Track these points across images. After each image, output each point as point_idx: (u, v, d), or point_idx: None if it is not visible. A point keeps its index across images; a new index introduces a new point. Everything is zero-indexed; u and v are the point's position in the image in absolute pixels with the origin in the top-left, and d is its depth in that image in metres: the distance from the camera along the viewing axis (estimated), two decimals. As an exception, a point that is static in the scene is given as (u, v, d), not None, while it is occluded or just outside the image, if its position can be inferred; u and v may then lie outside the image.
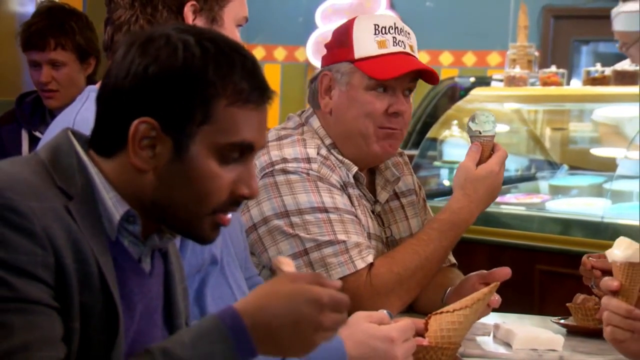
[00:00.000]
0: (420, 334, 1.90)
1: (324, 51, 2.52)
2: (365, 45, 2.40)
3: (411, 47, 2.43)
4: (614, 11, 5.08)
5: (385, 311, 1.87)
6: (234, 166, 1.40)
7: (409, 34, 2.44)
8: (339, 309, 1.34)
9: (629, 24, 4.98)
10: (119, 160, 1.39)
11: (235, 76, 1.38)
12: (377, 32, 2.40)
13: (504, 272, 2.33)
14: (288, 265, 1.44)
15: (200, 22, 1.89)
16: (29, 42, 3.33)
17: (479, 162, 2.42)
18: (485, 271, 2.39)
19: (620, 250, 1.85)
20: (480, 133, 2.41)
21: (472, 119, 2.43)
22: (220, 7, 1.93)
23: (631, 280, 1.84)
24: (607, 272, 1.91)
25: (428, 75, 2.42)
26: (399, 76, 2.37)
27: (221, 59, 1.38)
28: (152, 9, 1.89)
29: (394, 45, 2.40)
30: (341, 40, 2.44)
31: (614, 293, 1.84)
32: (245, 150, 1.40)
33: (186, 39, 1.37)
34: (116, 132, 1.38)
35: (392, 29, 2.41)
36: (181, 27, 1.41)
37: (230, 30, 1.93)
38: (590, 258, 2.36)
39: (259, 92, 1.40)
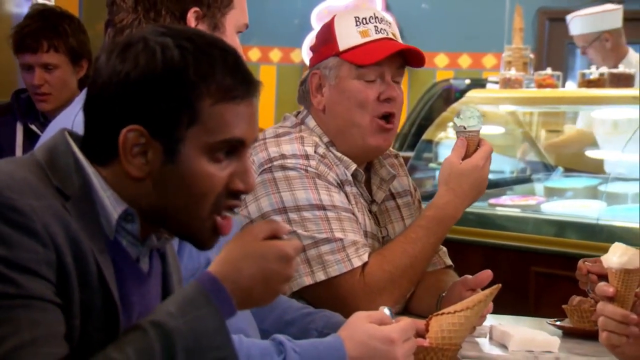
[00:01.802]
0: (421, 334, 1.90)
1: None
2: (348, 37, 2.42)
3: (394, 34, 2.46)
4: (569, 16, 5.20)
5: (387, 308, 1.87)
6: (228, 162, 1.40)
7: (390, 23, 2.47)
8: (298, 254, 1.44)
9: (584, 27, 5.10)
10: (113, 168, 1.40)
11: (218, 73, 1.37)
12: (358, 23, 2.43)
13: (486, 275, 2.34)
14: None
15: (202, 29, 1.90)
16: (22, 44, 3.33)
17: (465, 157, 2.42)
18: (469, 276, 2.39)
19: (615, 257, 1.84)
20: (465, 128, 2.41)
21: (457, 115, 2.43)
22: (222, 14, 1.94)
23: (627, 286, 1.83)
24: (603, 277, 1.91)
25: (414, 59, 2.43)
26: (386, 58, 2.39)
27: (201, 58, 1.37)
28: (155, 13, 1.89)
29: (376, 33, 2.42)
30: (324, 38, 2.46)
31: (610, 299, 1.83)
32: (236, 147, 1.40)
33: (164, 41, 1.37)
34: (106, 142, 1.38)
35: (372, 18, 2.44)
36: (158, 29, 1.40)
37: (231, 36, 1.94)
38: (586, 262, 2.36)
39: (244, 86, 1.40)
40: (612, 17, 5.19)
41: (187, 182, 1.38)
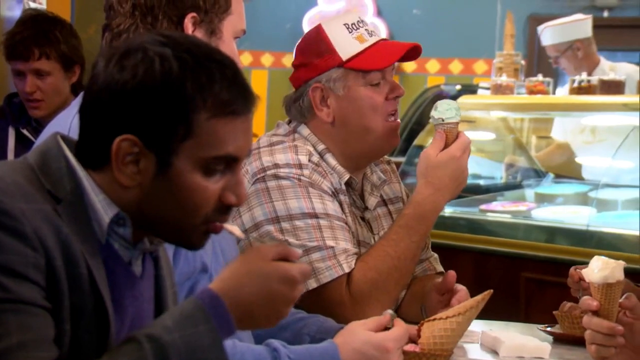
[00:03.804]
0: (412, 340, 1.91)
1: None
2: (347, 45, 2.42)
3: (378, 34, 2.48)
4: (540, 27, 5.33)
5: (390, 311, 1.87)
6: (221, 176, 1.40)
7: (370, 23, 2.49)
8: (305, 280, 1.42)
9: (555, 37, 5.21)
10: (105, 174, 1.40)
11: (215, 87, 1.37)
12: (350, 30, 2.43)
13: (450, 275, 2.36)
14: (235, 229, 1.48)
15: (199, 34, 1.89)
16: (13, 51, 3.32)
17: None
18: (438, 280, 2.40)
19: (596, 271, 1.83)
20: (442, 120, 2.39)
21: (435, 108, 2.41)
22: (220, 20, 1.93)
23: (610, 299, 1.82)
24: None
25: (411, 54, 2.46)
26: (394, 61, 2.42)
27: (199, 71, 1.37)
28: (152, 18, 1.89)
29: (370, 37, 2.44)
30: (319, 51, 2.44)
31: (595, 312, 1.83)
32: (230, 162, 1.40)
33: (163, 52, 1.37)
34: (100, 148, 1.38)
35: (360, 23, 2.45)
36: (158, 38, 1.40)
37: (228, 42, 1.94)
38: (577, 270, 2.37)
39: (242, 101, 1.39)
40: (582, 26, 5.33)
41: (178, 195, 1.38)
